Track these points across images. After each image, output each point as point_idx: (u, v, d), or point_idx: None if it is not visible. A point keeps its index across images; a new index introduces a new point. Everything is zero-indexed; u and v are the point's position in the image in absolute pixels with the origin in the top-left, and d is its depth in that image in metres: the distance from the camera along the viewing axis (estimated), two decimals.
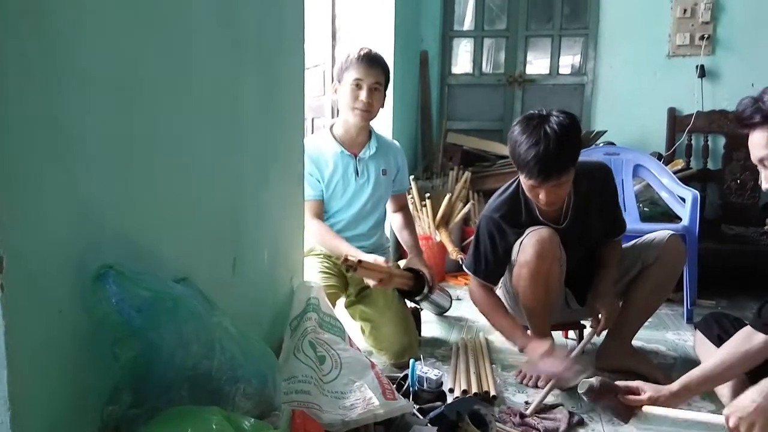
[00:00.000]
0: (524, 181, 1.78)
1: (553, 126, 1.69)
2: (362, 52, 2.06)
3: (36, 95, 0.73)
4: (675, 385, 1.41)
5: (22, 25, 0.70)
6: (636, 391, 1.42)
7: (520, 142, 1.72)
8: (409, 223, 2.37)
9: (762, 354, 1.40)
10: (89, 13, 0.81)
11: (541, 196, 1.76)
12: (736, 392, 1.49)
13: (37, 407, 0.76)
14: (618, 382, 1.45)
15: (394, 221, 2.39)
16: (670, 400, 1.40)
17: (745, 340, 1.41)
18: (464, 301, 2.68)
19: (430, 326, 2.50)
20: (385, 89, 2.13)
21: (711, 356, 1.47)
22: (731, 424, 1.23)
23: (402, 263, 2.26)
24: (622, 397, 1.42)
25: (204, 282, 1.06)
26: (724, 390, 1.53)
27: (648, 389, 1.41)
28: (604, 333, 2.05)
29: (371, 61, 2.06)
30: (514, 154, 1.75)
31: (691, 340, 1.90)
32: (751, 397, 1.24)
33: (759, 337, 1.40)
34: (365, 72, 2.04)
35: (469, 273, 2.02)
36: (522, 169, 1.74)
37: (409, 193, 2.80)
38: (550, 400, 1.74)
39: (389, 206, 2.38)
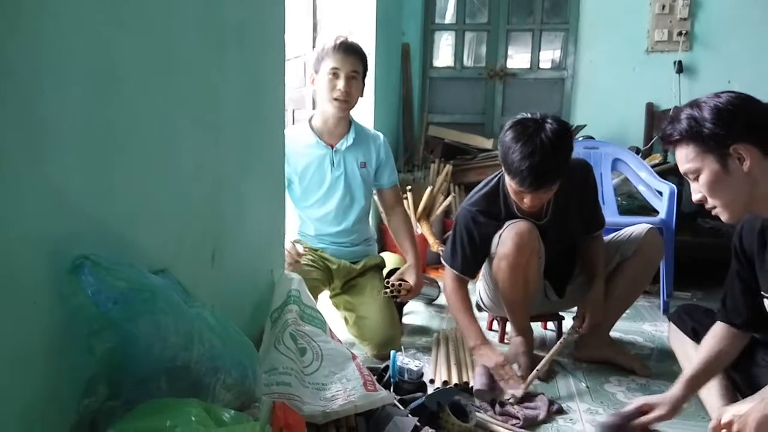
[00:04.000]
0: (512, 186, 1.77)
1: (548, 135, 1.66)
2: (338, 41, 2.03)
3: (12, 87, 0.71)
4: (679, 392, 1.42)
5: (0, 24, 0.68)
6: (646, 409, 1.42)
7: (513, 149, 1.69)
8: (403, 227, 2.25)
9: (740, 345, 1.44)
10: (69, 12, 0.80)
11: (526, 200, 1.76)
12: (720, 391, 1.53)
13: (10, 399, 0.74)
14: (626, 410, 1.45)
15: (389, 224, 2.31)
16: (680, 406, 1.43)
17: (722, 335, 1.44)
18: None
19: (412, 316, 2.51)
20: (363, 78, 2.09)
21: (696, 352, 1.49)
22: (723, 420, 1.26)
23: (396, 261, 2.25)
24: (637, 427, 1.43)
25: (183, 273, 1.05)
26: (708, 392, 1.56)
27: (657, 405, 1.41)
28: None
29: (348, 50, 2.02)
30: (507, 159, 1.72)
31: (667, 330, 1.95)
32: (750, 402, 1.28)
33: (732, 331, 1.43)
34: (342, 61, 2.00)
35: (445, 265, 2.03)
36: (513, 176, 1.72)
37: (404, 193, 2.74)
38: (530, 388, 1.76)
39: (381, 205, 2.34)
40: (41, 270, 0.78)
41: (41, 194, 0.77)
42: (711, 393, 1.53)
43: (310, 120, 2.15)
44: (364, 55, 2.09)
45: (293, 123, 2.82)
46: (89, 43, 0.84)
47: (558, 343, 1.92)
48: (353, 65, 2.02)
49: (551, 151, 1.66)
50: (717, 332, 1.46)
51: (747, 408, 1.22)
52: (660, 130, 1.37)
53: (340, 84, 2.01)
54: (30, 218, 0.76)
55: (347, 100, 2.04)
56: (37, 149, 0.76)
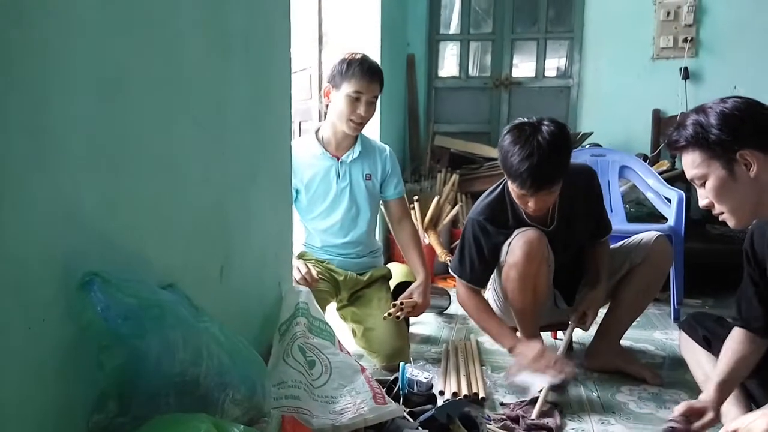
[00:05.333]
0: (514, 190, 1.78)
1: (545, 136, 1.68)
2: (366, 65, 2.01)
3: (20, 99, 0.72)
4: (716, 396, 1.41)
5: (8, 34, 0.69)
6: (692, 413, 1.40)
7: (512, 153, 1.70)
8: (411, 243, 2.23)
9: (760, 350, 1.42)
10: (76, 21, 0.80)
11: (531, 203, 1.76)
12: (735, 400, 1.51)
13: (20, 416, 0.74)
14: (675, 416, 1.41)
15: (397, 238, 2.29)
16: (719, 407, 1.42)
17: (742, 340, 1.42)
18: (454, 300, 2.70)
19: (421, 326, 2.50)
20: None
21: (720, 358, 1.46)
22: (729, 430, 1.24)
23: (410, 282, 2.22)
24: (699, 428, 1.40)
25: (191, 288, 1.05)
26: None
27: (705, 409, 1.39)
28: (593, 333, 2.06)
29: (373, 75, 2.01)
30: (506, 163, 1.74)
31: (678, 338, 1.94)
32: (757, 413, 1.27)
33: (751, 336, 1.42)
34: (366, 86, 1.99)
35: (455, 276, 2.02)
36: (513, 180, 1.73)
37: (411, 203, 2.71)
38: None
39: (388, 218, 2.33)
40: (50, 286, 0.78)
41: (50, 208, 0.78)
42: (727, 402, 1.51)
43: (317, 131, 2.16)
44: (383, 76, 2.09)
45: (299, 135, 2.83)
46: (95, 52, 0.85)
47: (564, 341, 1.94)
48: (375, 91, 2.03)
49: (549, 152, 1.67)
50: (737, 337, 1.44)
51: (752, 419, 1.21)
52: (667, 136, 1.37)
53: (361, 109, 2.01)
54: (39, 233, 0.76)
55: (363, 123, 2.06)
56: (46, 162, 0.76)
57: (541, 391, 1.71)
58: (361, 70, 1.99)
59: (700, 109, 1.28)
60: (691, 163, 1.29)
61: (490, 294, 2.10)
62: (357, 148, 2.14)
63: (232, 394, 0.94)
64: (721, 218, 1.30)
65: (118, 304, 0.79)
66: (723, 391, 1.42)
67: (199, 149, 1.18)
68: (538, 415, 1.64)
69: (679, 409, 1.42)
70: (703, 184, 1.28)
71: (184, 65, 1.10)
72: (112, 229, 0.91)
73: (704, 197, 1.30)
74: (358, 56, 2.04)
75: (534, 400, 1.69)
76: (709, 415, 1.38)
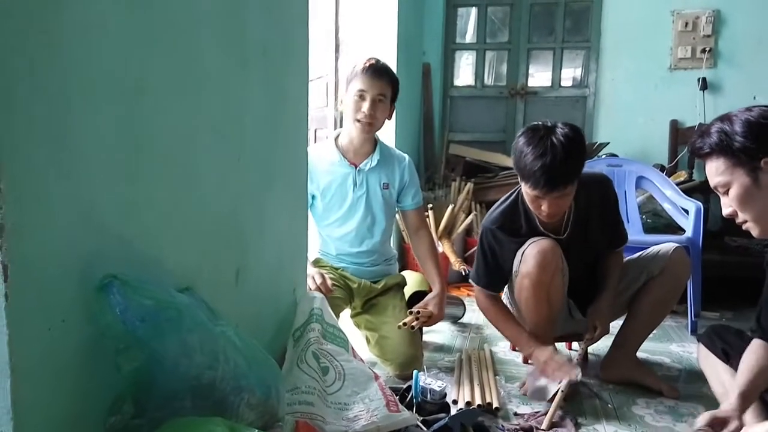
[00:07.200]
0: (527, 192, 1.78)
1: (559, 137, 1.69)
2: (368, 64, 2.03)
3: (43, 105, 0.73)
4: (739, 406, 1.37)
5: (32, 42, 0.71)
6: (717, 423, 1.36)
7: (525, 153, 1.71)
8: (429, 253, 2.22)
9: None
10: (98, 30, 0.82)
11: (544, 207, 1.76)
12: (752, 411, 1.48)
13: (39, 416, 0.75)
14: (702, 423, 1.37)
15: (414, 248, 2.28)
16: (741, 416, 1.38)
17: (761, 352, 1.40)
18: (469, 309, 2.69)
19: (434, 335, 2.48)
20: (393, 101, 2.09)
21: (741, 369, 1.43)
22: None
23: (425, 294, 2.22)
24: None
25: (207, 291, 1.06)
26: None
27: (730, 417, 1.36)
28: (609, 345, 2.04)
29: (376, 73, 2.02)
30: (520, 164, 1.75)
31: (695, 351, 1.91)
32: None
33: None
34: (369, 83, 2.01)
35: (473, 284, 2.02)
36: (527, 180, 1.74)
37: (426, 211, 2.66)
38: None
39: (405, 227, 2.32)
40: (70, 288, 0.79)
41: (71, 212, 0.79)
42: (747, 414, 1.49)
43: (336, 138, 2.16)
44: (395, 78, 2.08)
45: (315, 142, 2.85)
46: (117, 61, 0.87)
47: (582, 345, 1.93)
48: (381, 89, 2.02)
49: (563, 152, 1.67)
50: (755, 349, 1.41)
51: (759, 428, 1.19)
52: (686, 146, 1.37)
53: (365, 107, 2.01)
54: (60, 236, 0.77)
55: (371, 123, 2.04)
56: (68, 167, 0.78)
57: (552, 399, 1.70)
58: (364, 69, 2.02)
59: (725, 117, 1.28)
60: (714, 170, 1.28)
61: (504, 303, 2.09)
62: (375, 157, 2.13)
63: (248, 398, 0.94)
64: (744, 227, 1.28)
65: (136, 306, 0.80)
66: (746, 401, 1.39)
67: (216, 155, 1.19)
68: (548, 426, 1.62)
69: (702, 419, 1.40)
70: (726, 192, 1.27)
71: (203, 73, 1.12)
72: (131, 232, 0.92)
73: (728, 206, 1.28)
74: (365, 59, 2.06)
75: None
76: (734, 424, 1.35)
